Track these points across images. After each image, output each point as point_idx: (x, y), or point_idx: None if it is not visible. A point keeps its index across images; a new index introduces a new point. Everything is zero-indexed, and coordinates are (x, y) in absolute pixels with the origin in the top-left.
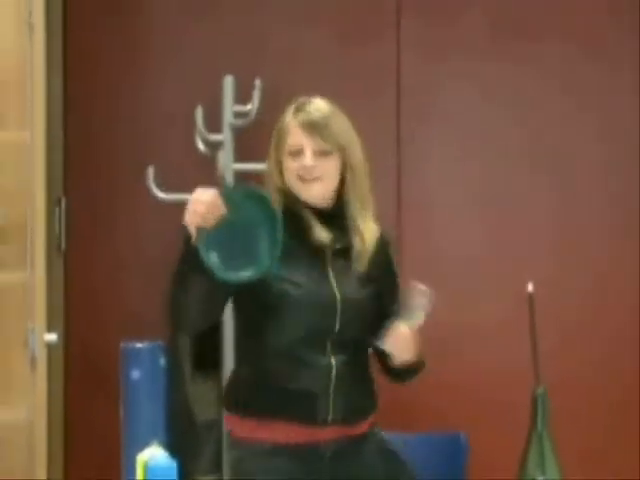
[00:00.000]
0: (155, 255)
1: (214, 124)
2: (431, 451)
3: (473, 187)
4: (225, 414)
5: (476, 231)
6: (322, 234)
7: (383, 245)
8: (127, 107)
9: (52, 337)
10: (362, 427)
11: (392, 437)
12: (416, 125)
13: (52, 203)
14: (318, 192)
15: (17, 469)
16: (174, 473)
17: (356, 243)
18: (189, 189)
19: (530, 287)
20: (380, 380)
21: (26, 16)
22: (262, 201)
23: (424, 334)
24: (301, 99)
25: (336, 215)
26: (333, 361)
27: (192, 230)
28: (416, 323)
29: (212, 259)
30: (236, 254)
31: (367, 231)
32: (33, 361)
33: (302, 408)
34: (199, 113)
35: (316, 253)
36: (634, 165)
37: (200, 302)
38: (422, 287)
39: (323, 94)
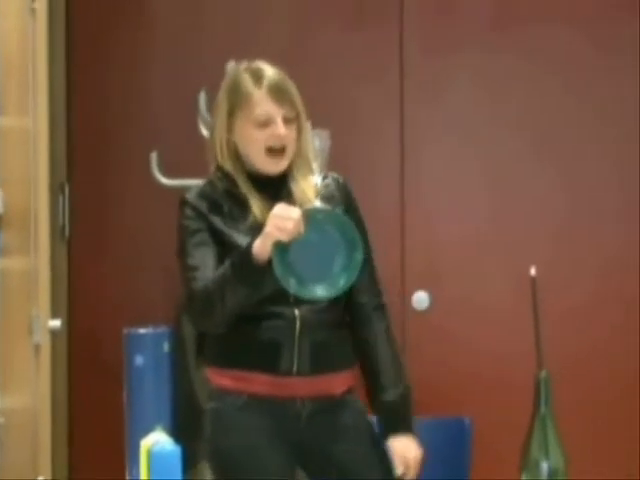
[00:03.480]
0: (159, 241)
1: None
2: (436, 435)
3: (476, 171)
4: (207, 366)
5: (479, 216)
6: (264, 214)
7: (337, 188)
8: (130, 92)
9: (56, 323)
10: (337, 385)
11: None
12: (419, 111)
13: (55, 189)
14: (283, 164)
15: (21, 455)
16: (178, 458)
17: (297, 197)
18: (192, 175)
19: (533, 271)
20: None
21: (29, 1)
22: (343, 225)
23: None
24: (247, 65)
25: (283, 180)
26: (297, 312)
27: (268, 245)
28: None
29: (289, 274)
30: (306, 271)
31: (307, 186)
32: (37, 347)
33: (268, 358)
34: (202, 98)
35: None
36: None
37: (232, 312)
38: (319, 131)
39: (327, 79)
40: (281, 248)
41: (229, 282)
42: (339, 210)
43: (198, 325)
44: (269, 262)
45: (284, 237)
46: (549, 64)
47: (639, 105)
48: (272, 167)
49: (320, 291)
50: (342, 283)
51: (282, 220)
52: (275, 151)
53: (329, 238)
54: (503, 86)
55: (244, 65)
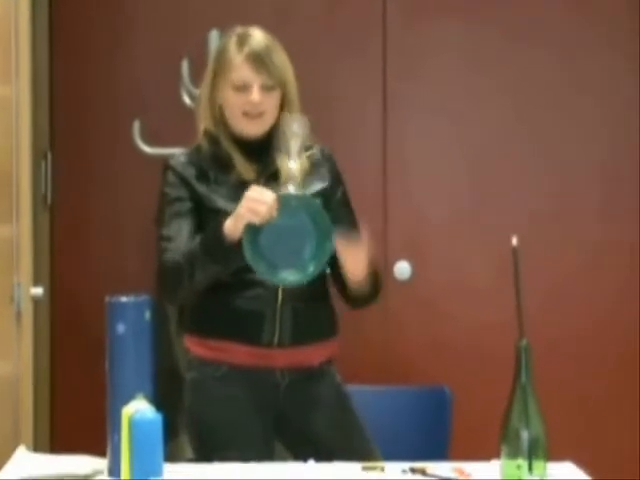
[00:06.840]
0: (140, 209)
1: (200, 78)
2: (416, 405)
3: (459, 143)
4: (186, 335)
5: (461, 187)
6: (248, 172)
7: (323, 158)
8: (113, 60)
9: (38, 291)
10: (316, 356)
11: (375, 391)
12: (402, 83)
13: (38, 157)
14: (261, 128)
15: (3, 423)
16: (159, 426)
17: (283, 169)
18: (175, 143)
19: (515, 241)
20: (366, 333)
21: None
22: (316, 213)
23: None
24: (240, 31)
25: (267, 145)
26: None
27: (240, 226)
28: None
29: (258, 257)
30: (276, 256)
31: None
32: (19, 315)
33: (250, 329)
34: (185, 67)
35: (248, 184)
36: (622, 120)
37: (199, 287)
38: (297, 115)
39: (310, 50)
40: (253, 231)
41: (198, 258)
42: (315, 196)
43: (165, 296)
44: (239, 242)
45: (256, 220)
46: (537, 36)
47: (638, 80)
48: (248, 129)
49: (288, 276)
50: (311, 270)
51: (255, 203)
52: (251, 115)
53: (301, 225)
54: (489, 57)
55: (238, 30)
